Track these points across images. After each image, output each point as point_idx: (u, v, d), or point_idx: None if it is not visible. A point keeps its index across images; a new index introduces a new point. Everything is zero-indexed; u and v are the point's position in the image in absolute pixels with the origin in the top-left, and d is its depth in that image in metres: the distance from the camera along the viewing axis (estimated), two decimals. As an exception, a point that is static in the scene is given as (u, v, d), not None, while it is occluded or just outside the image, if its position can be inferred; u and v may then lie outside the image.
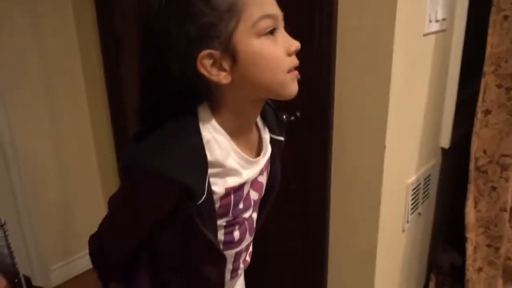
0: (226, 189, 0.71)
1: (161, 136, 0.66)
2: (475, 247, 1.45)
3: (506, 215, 1.43)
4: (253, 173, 0.76)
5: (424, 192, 1.48)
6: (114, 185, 2.05)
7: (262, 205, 0.87)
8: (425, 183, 1.47)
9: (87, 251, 0.83)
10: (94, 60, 1.92)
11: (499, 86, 1.32)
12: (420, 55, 1.25)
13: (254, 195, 0.80)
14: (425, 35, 1.21)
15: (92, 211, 2.07)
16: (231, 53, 0.64)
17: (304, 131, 1.33)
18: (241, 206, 0.77)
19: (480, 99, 1.34)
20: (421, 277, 1.68)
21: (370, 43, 1.13)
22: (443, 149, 1.52)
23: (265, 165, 0.80)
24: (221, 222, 0.74)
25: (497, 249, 1.45)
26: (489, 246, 1.46)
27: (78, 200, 2.09)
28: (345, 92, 1.22)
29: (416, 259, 1.59)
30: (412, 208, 1.42)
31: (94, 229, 0.82)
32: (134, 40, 1.72)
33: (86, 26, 1.89)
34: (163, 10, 0.63)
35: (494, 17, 1.27)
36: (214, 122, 0.68)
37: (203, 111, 0.68)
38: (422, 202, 1.49)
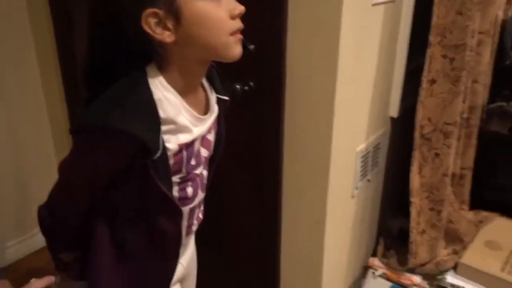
0: (179, 145, 0.74)
1: (112, 94, 0.68)
2: (419, 211, 1.53)
3: (448, 180, 1.51)
4: (202, 130, 0.79)
5: (373, 160, 1.53)
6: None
7: (210, 162, 0.91)
8: (374, 151, 1.52)
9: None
10: (46, 35, 1.87)
11: (444, 56, 1.37)
12: (369, 25, 1.27)
13: (204, 152, 0.84)
14: (373, 5, 1.23)
15: (47, 187, 2.02)
16: (174, 13, 0.66)
17: (257, 100, 1.34)
18: (193, 162, 0.80)
19: (425, 68, 1.38)
20: (371, 242, 1.76)
21: (319, 12, 1.13)
22: (392, 118, 1.58)
23: (213, 124, 0.84)
24: (175, 178, 0.78)
25: (439, 212, 1.54)
26: (432, 209, 1.54)
27: (32, 175, 2.03)
28: (296, 62, 1.23)
29: (366, 224, 1.66)
30: (361, 175, 1.47)
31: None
32: (85, 16, 1.67)
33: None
34: None
35: (440, -12, 1.30)
36: (163, 81, 0.71)
37: (151, 71, 0.70)
38: (372, 170, 1.54)
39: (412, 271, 1.60)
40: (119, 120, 0.65)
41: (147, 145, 0.67)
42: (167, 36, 0.67)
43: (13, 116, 1.91)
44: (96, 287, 0.82)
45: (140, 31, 0.66)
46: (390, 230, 1.80)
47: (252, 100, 1.34)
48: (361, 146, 1.42)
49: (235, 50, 0.73)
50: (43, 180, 2.04)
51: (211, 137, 0.86)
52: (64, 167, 0.78)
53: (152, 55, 0.70)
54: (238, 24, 0.71)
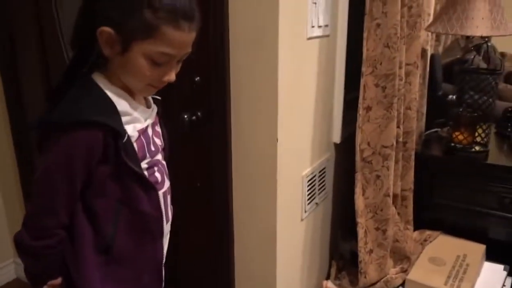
0: (138, 131, 0.87)
1: (73, 97, 0.81)
2: (365, 231, 1.61)
3: (390, 200, 1.61)
4: (150, 120, 0.92)
5: (320, 183, 1.61)
6: (14, 186, 1.98)
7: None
8: (320, 175, 1.60)
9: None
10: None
11: (376, 85, 1.50)
12: (306, 58, 1.38)
13: (158, 141, 0.96)
14: (308, 39, 1.35)
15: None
16: (124, 48, 0.79)
17: (205, 130, 1.40)
18: (152, 148, 0.92)
19: (361, 96, 1.50)
20: (324, 264, 1.82)
21: (258, 47, 1.24)
22: (335, 143, 1.68)
23: (156, 120, 0.97)
24: (143, 164, 0.88)
25: (384, 231, 1.62)
26: (377, 229, 1.62)
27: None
28: (239, 92, 1.31)
29: (317, 247, 1.72)
30: (309, 199, 1.54)
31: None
32: (31, 38, 1.70)
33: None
34: None
35: (368, 24, 1.45)
36: (108, 83, 0.84)
37: (97, 77, 0.84)
38: (319, 193, 1.62)
39: (364, 291, 1.66)
40: (88, 114, 0.77)
41: (116, 130, 0.79)
42: (106, 52, 0.80)
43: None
44: None
45: (95, 37, 0.79)
46: (342, 253, 1.86)
47: (200, 129, 1.40)
48: (307, 171, 1.50)
49: (144, 93, 0.91)
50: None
51: (159, 129, 0.99)
52: (41, 178, 0.82)
53: (101, 60, 0.83)
54: (160, 84, 0.86)
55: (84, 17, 0.83)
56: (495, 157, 1.82)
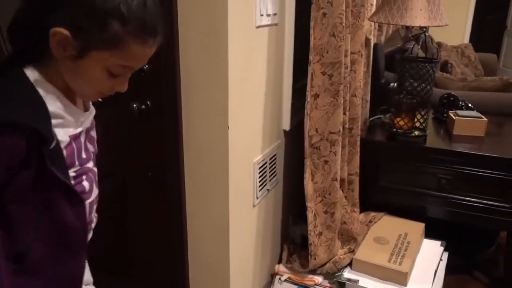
0: (69, 136, 0.79)
1: None
2: (314, 214, 1.66)
3: (337, 184, 1.68)
4: (85, 125, 0.85)
5: (271, 170, 1.65)
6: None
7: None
8: (271, 162, 1.64)
9: None
10: None
11: (323, 73, 1.55)
12: (255, 46, 1.39)
13: (91, 147, 0.89)
14: (257, 27, 1.36)
15: None
16: (80, 53, 0.72)
17: (156, 118, 1.39)
18: (84, 155, 0.85)
19: (309, 84, 1.54)
20: (276, 249, 1.86)
21: (207, 35, 1.23)
22: (285, 131, 1.72)
23: (92, 125, 0.90)
24: (71, 172, 0.81)
25: (332, 214, 1.69)
26: (326, 212, 1.69)
27: None
28: (190, 81, 1.31)
29: (270, 232, 1.76)
30: (260, 185, 1.57)
31: None
32: None
33: None
34: None
35: (315, 14, 1.48)
36: (44, 80, 0.76)
37: (29, 71, 0.75)
38: (270, 179, 1.66)
39: (314, 272, 1.73)
40: (10, 113, 0.68)
41: (41, 133, 0.70)
42: (57, 53, 0.73)
43: None
44: None
45: (47, 32, 0.71)
46: (293, 237, 1.92)
47: (150, 118, 1.38)
48: (258, 158, 1.53)
49: (91, 99, 0.86)
50: None
51: (94, 134, 0.91)
52: None
53: (45, 54, 0.75)
54: (110, 93, 0.81)
55: (32, 7, 0.74)
56: (433, 141, 1.94)
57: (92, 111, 0.89)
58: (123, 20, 0.71)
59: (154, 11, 0.75)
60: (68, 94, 0.79)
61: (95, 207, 0.92)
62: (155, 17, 0.75)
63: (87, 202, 0.86)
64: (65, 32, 0.70)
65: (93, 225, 0.93)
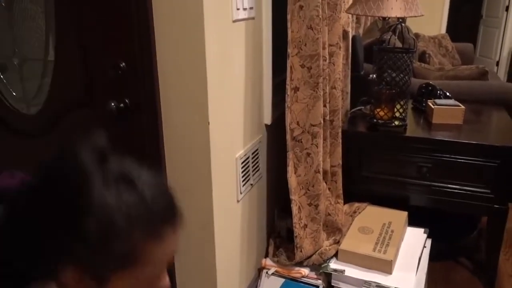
0: None
1: None
2: (299, 207, 1.67)
3: (320, 176, 1.68)
4: None
5: (253, 165, 1.65)
6: None
7: None
8: (253, 156, 1.63)
9: None
10: None
11: (302, 66, 1.55)
12: (233, 40, 1.39)
13: None
14: (234, 21, 1.35)
15: None
16: (99, 283, 0.60)
17: (135, 117, 1.37)
18: None
19: (288, 77, 1.54)
20: (262, 244, 1.87)
21: (184, 29, 1.22)
22: (266, 125, 1.72)
23: None
24: None
25: (316, 206, 1.70)
26: (310, 204, 1.70)
27: None
28: (168, 77, 1.29)
29: (255, 227, 1.76)
30: (243, 180, 1.57)
31: None
32: None
33: None
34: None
35: (291, 7, 1.48)
36: None
37: None
38: (253, 174, 1.65)
39: (301, 264, 1.74)
40: None
41: None
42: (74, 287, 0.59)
43: None
44: None
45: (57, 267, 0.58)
46: (279, 230, 1.92)
47: (129, 116, 1.36)
48: (240, 153, 1.52)
49: None
50: None
51: None
52: None
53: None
54: None
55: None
56: (413, 130, 1.97)
57: None
58: (126, 233, 0.58)
59: (157, 196, 0.63)
60: None
61: None
62: (163, 196, 0.64)
63: None
64: (71, 272, 0.58)
65: None
